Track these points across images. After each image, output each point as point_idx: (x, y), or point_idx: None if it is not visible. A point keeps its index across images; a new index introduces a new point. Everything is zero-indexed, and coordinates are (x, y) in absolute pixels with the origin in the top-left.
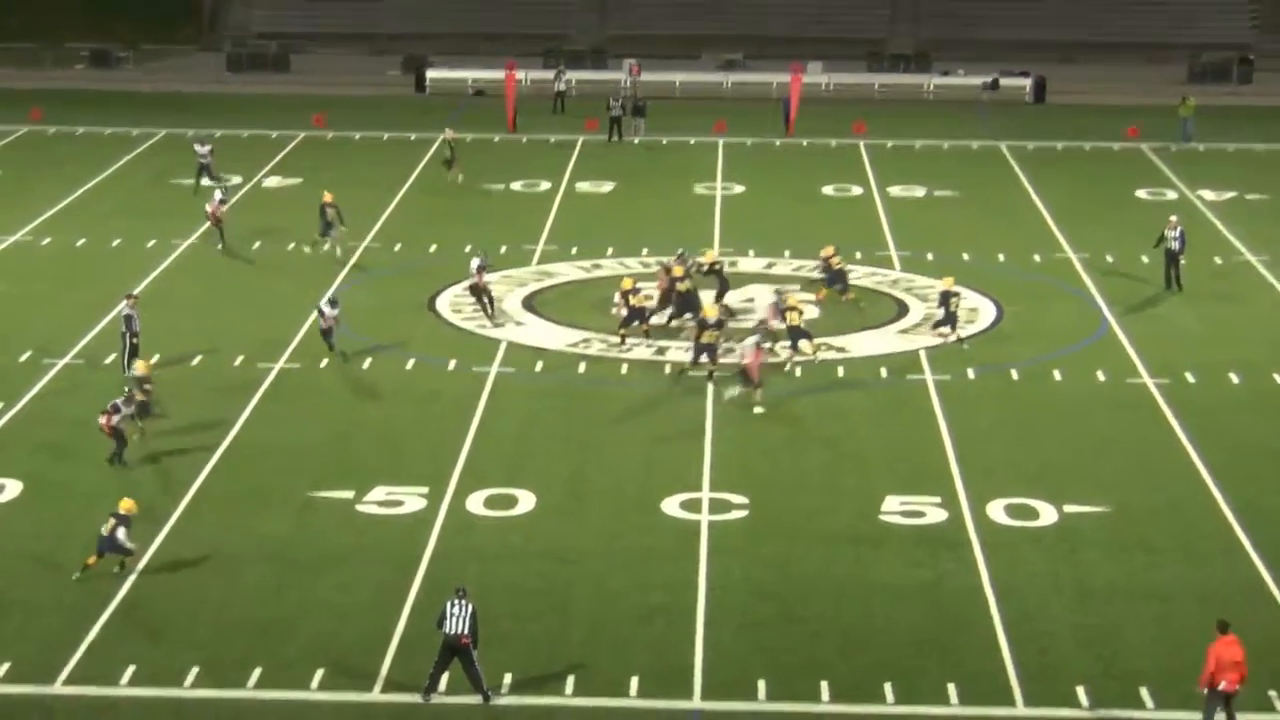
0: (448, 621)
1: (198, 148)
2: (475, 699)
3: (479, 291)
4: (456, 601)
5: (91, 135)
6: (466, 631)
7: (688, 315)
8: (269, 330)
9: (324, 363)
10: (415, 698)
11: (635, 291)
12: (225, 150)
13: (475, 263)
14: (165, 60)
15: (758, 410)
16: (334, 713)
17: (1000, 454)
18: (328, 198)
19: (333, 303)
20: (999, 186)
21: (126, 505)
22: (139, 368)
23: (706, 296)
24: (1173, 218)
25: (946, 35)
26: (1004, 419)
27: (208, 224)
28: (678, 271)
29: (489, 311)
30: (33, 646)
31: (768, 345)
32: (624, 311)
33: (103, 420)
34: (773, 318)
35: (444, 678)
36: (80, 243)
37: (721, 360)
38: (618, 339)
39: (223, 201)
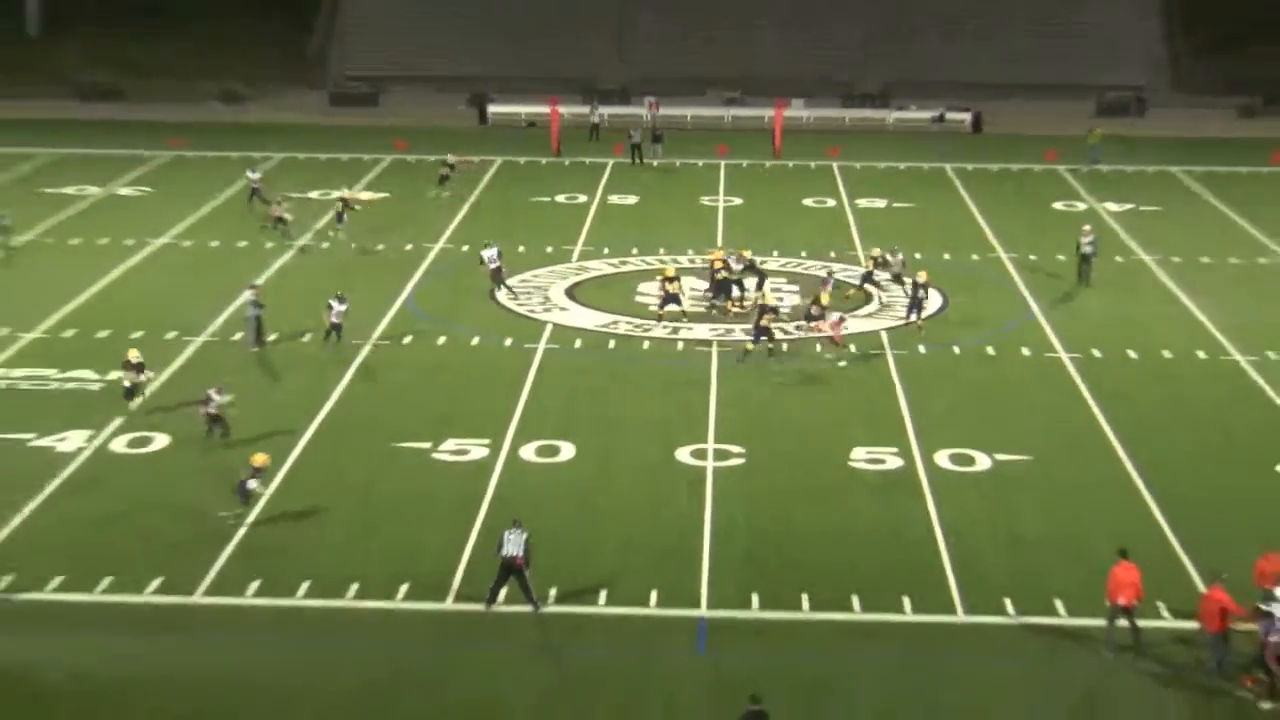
0: (505, 546)
1: (250, 174)
2: (527, 609)
3: (499, 275)
4: (513, 530)
5: (221, 159)
6: (521, 554)
7: (723, 297)
8: (362, 315)
9: (407, 339)
10: (480, 607)
11: (674, 280)
12: (328, 170)
13: (490, 253)
14: (280, 98)
15: (842, 365)
16: (415, 619)
17: (945, 414)
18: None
19: (340, 299)
20: (945, 199)
21: (260, 459)
22: (220, 395)
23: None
24: (1086, 226)
25: (903, 78)
26: (948, 387)
27: (272, 226)
28: (717, 263)
29: (509, 288)
30: (178, 565)
31: (839, 318)
32: (664, 295)
33: (201, 410)
34: (824, 290)
35: (502, 592)
36: (213, 244)
37: (779, 339)
38: (655, 318)
39: (280, 204)
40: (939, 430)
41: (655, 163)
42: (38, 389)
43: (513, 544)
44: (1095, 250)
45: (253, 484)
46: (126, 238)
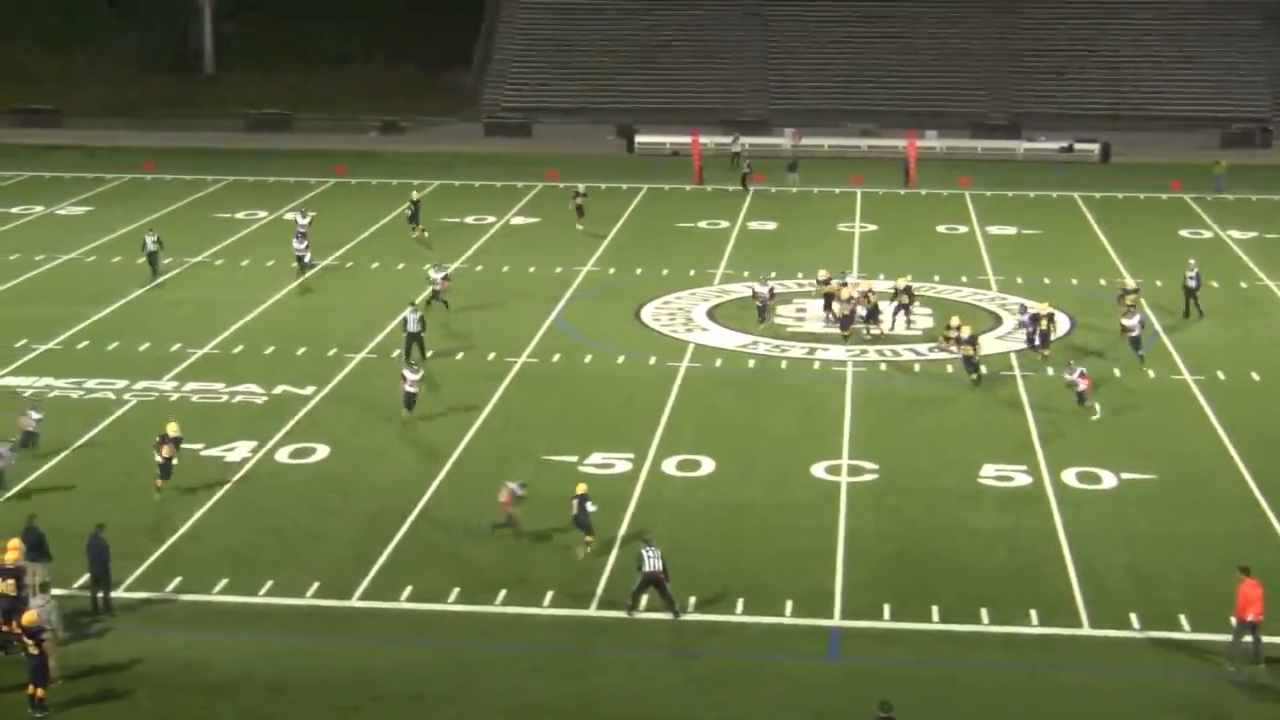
0: (646, 562)
1: (299, 218)
2: (667, 615)
3: (440, 295)
4: (649, 547)
5: (381, 186)
6: (661, 569)
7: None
8: (514, 333)
9: (556, 356)
10: (623, 613)
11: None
12: (481, 196)
13: (437, 274)
14: (436, 128)
15: (975, 377)
16: (560, 623)
17: (1072, 434)
18: (415, 196)
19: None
20: (1073, 227)
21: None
22: (170, 429)
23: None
24: (1191, 260)
25: (1033, 110)
26: (1075, 406)
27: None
28: (845, 291)
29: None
30: (336, 571)
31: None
32: (857, 311)
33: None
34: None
35: (643, 599)
36: (374, 266)
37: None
38: (842, 335)
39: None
40: (1066, 449)
41: (794, 190)
42: (208, 402)
43: (651, 558)
44: (1199, 283)
45: (587, 507)
46: (292, 259)
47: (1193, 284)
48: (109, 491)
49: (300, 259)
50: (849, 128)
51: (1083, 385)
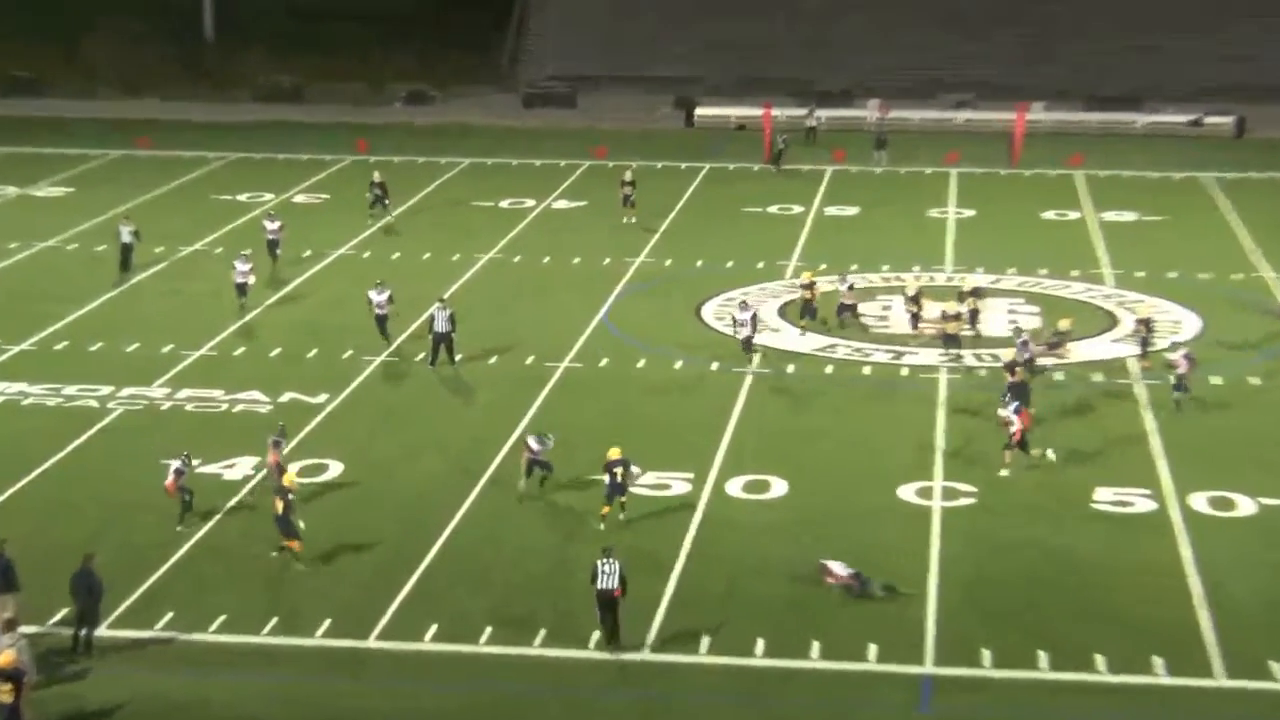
0: (601, 578)
1: (267, 224)
2: (719, 659)
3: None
4: (607, 559)
5: (406, 163)
6: (617, 586)
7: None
8: (555, 334)
9: (603, 361)
10: (678, 656)
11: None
12: (519, 176)
13: (380, 296)
14: (469, 99)
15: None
16: (607, 668)
17: (1203, 451)
18: (377, 177)
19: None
20: (1202, 212)
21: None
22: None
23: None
24: None
25: (1157, 79)
26: (1206, 421)
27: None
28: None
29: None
30: (351, 605)
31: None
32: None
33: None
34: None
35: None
36: (395, 255)
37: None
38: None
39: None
40: (1195, 469)
41: (878, 170)
42: (204, 411)
43: (607, 575)
44: None
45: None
46: (303, 248)
47: None
48: (90, 514)
49: (241, 288)
50: (943, 99)
51: (1183, 367)
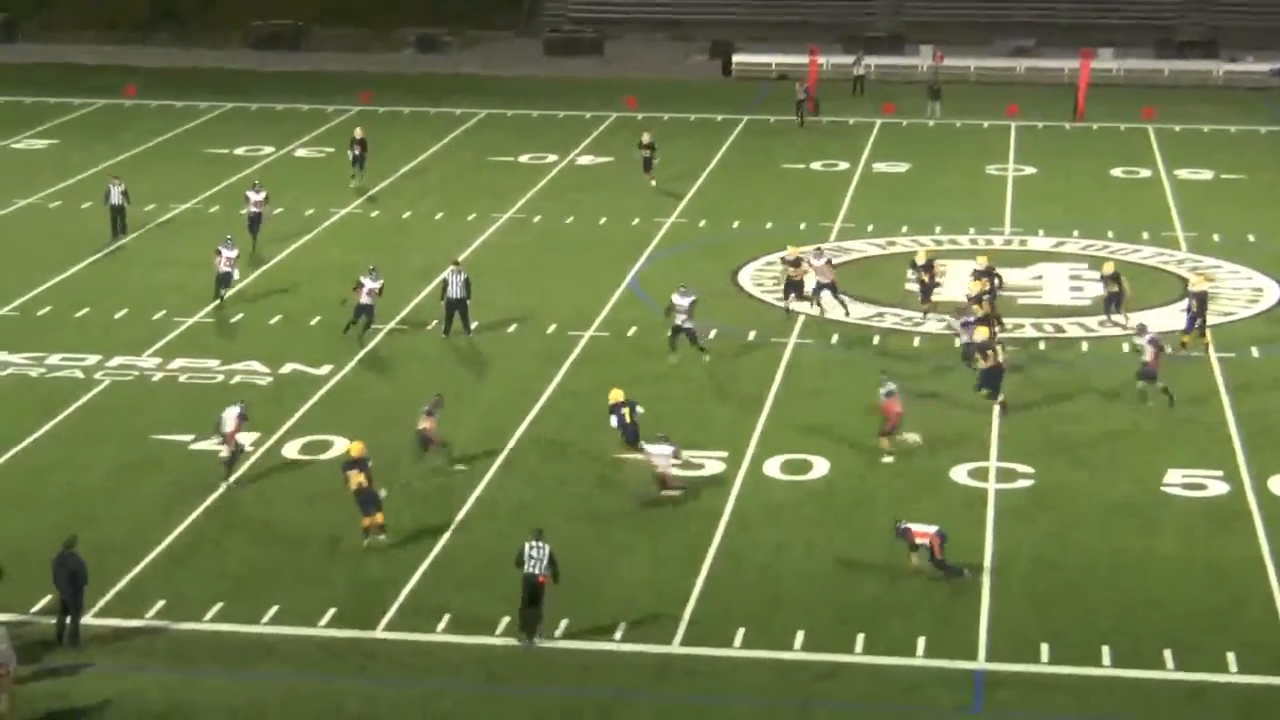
0: (528, 563)
1: (250, 194)
2: (722, 651)
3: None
4: (537, 542)
5: (417, 115)
6: (543, 572)
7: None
8: (579, 301)
9: (631, 330)
10: (713, 650)
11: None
12: (540, 129)
13: (373, 284)
14: (486, 45)
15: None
16: (633, 660)
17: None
18: (358, 134)
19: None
20: None
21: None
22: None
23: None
24: None
25: (1237, 24)
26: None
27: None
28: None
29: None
30: (356, 594)
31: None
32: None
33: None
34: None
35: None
36: (406, 215)
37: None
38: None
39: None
40: (1276, 450)
41: (931, 123)
42: (198, 382)
43: (535, 560)
44: None
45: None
46: (306, 207)
47: None
48: (73, 495)
49: (224, 279)
50: (1001, 45)
51: (1149, 355)
